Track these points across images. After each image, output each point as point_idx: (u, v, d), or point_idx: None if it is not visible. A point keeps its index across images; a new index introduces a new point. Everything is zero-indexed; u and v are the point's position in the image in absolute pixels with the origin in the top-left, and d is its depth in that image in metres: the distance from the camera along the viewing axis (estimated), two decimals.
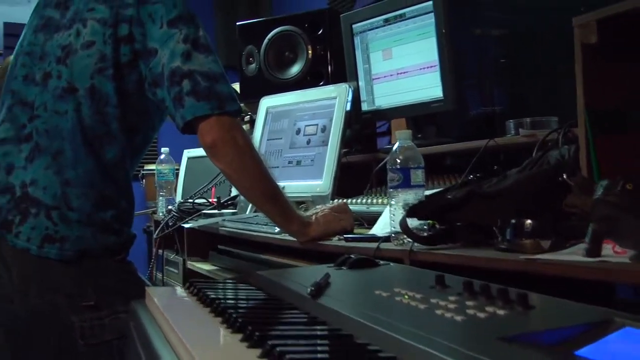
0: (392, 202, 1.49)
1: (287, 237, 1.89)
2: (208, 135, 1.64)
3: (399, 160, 1.48)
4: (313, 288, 0.94)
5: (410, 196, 1.45)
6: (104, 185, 1.74)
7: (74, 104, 1.71)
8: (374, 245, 1.51)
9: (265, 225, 2.09)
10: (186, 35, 1.68)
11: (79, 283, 1.71)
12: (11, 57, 3.71)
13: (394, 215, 1.49)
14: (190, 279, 1.20)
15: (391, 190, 1.49)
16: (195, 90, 1.64)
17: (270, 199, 1.73)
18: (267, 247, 2.17)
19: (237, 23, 3.34)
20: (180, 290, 1.19)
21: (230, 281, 1.26)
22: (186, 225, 2.59)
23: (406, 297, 0.87)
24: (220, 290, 1.13)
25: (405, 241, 1.42)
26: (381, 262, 1.23)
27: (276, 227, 1.97)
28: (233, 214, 2.69)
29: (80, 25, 1.74)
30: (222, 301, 0.99)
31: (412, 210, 1.39)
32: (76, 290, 1.70)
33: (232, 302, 1.05)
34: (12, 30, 5.43)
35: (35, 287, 1.71)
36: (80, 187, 1.70)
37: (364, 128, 2.87)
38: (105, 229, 1.74)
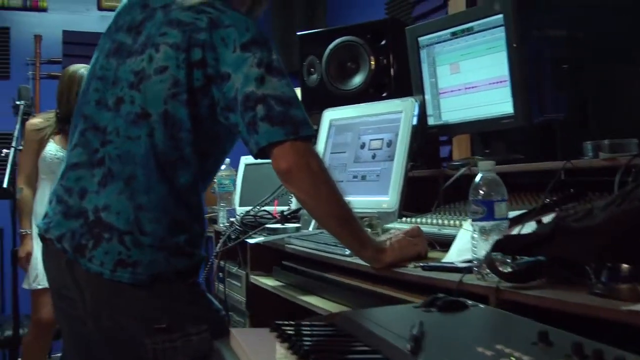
0: (475, 235, 1.44)
1: (357, 259, 1.86)
2: (283, 161, 1.62)
3: (482, 192, 1.44)
4: (413, 343, 0.90)
5: (494, 229, 1.41)
6: (176, 209, 1.73)
7: (147, 130, 1.70)
8: (454, 276, 1.47)
9: (335, 245, 2.07)
10: (260, 59, 1.66)
11: (151, 306, 1.71)
12: (72, 68, 3.77)
13: (476, 248, 1.44)
14: (276, 322, 1.17)
15: (474, 222, 1.45)
16: (269, 115, 1.62)
17: (345, 224, 1.70)
18: (335, 266, 2.14)
19: (298, 33, 3.32)
20: (266, 334, 1.16)
21: (318, 325, 1.22)
22: (251, 241, 2.57)
23: (513, 359, 0.83)
24: (311, 338, 1.10)
25: (489, 275, 1.38)
26: (469, 302, 1.19)
27: (347, 249, 1.94)
28: (297, 228, 2.67)
29: (152, 50, 1.73)
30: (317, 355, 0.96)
31: (498, 246, 1.34)
32: (148, 313, 1.70)
33: (327, 354, 1.02)
34: (71, 38, 5.49)
35: (108, 310, 1.72)
36: (153, 212, 1.70)
37: (428, 142, 2.82)
38: (178, 253, 1.73)
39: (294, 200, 3.23)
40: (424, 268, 1.63)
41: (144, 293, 1.70)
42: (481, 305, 1.18)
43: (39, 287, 3.72)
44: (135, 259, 1.68)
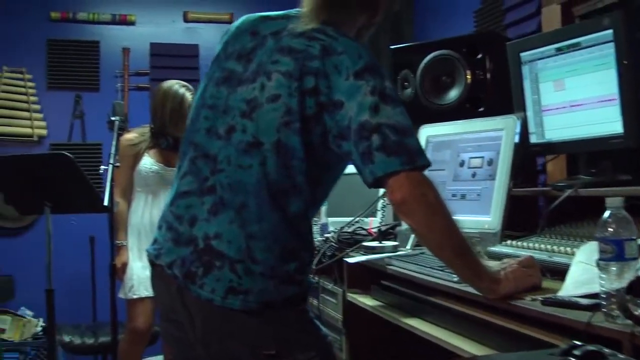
0: (603, 275, 1.39)
1: (466, 286, 1.83)
2: (398, 192, 1.60)
3: (610, 230, 1.38)
4: None
5: (624, 269, 1.35)
6: (287, 238, 1.72)
7: (260, 158, 1.70)
8: (578, 315, 1.42)
9: (441, 270, 2.03)
10: (373, 87, 1.64)
11: (260, 333, 1.71)
12: (166, 84, 3.83)
13: (604, 288, 1.39)
14: None
15: (602, 261, 1.39)
16: (384, 145, 1.59)
17: (460, 256, 1.67)
18: (438, 290, 2.10)
19: (391, 46, 3.29)
20: None
21: None
22: (350, 261, 2.55)
23: None
24: None
25: (619, 318, 1.32)
26: (607, 351, 1.14)
27: (454, 275, 1.91)
28: (394, 247, 2.65)
29: (264, 79, 1.73)
30: None
31: (631, 287, 1.29)
32: (258, 339, 1.71)
33: None
34: (158, 50, 5.59)
35: (218, 336, 1.73)
36: (264, 240, 1.69)
37: (525, 159, 2.75)
38: (288, 281, 1.73)
39: (380, 212, 3.21)
40: (543, 302, 1.58)
41: (254, 320, 1.70)
42: (620, 355, 1.13)
43: (134, 296, 3.79)
44: (246, 286, 1.68)
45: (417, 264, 2.21)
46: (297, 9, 1.86)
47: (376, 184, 1.63)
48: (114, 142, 3.41)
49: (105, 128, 5.36)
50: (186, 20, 5.66)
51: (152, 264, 1.87)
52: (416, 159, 1.61)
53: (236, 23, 1.95)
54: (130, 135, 3.86)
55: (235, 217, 1.70)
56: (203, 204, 1.76)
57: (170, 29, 5.66)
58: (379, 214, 3.24)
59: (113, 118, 3.52)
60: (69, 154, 3.05)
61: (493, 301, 1.73)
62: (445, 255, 1.69)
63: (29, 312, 5.29)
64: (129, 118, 5.37)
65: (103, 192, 3.33)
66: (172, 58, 5.60)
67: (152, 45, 5.60)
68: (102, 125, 5.40)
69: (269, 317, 1.71)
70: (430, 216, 1.61)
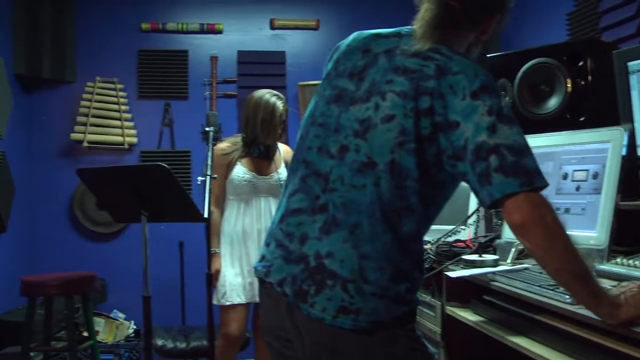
0: None
1: (580, 307, 1.78)
2: (516, 214, 1.57)
3: None
4: None
5: None
6: (400, 258, 1.71)
7: (373, 179, 1.69)
8: None
9: (551, 290, 1.99)
10: (490, 106, 1.61)
11: (370, 352, 1.71)
12: (257, 93, 3.87)
13: None
14: None
15: None
16: (502, 166, 1.57)
17: (580, 280, 1.62)
18: (546, 309, 2.06)
19: (488, 55, 3.24)
20: None
21: None
22: (452, 275, 2.52)
23: None
24: None
25: None
26: None
27: (566, 295, 1.86)
28: (495, 260, 2.60)
29: (378, 98, 1.72)
30: None
31: None
32: (367, 358, 1.70)
33: None
34: (245, 57, 5.64)
35: (327, 355, 1.73)
36: (377, 260, 1.69)
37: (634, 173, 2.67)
38: (398, 301, 1.72)
39: (475, 224, 3.16)
40: None
41: (364, 339, 1.69)
42: None
43: (227, 303, 3.85)
44: (357, 306, 1.68)
45: (525, 282, 2.17)
46: (409, 27, 1.84)
47: (494, 205, 1.61)
48: (209, 154, 3.45)
49: (193, 135, 5.48)
50: (273, 28, 5.70)
51: (261, 281, 1.89)
52: (534, 180, 1.58)
53: (347, 41, 1.95)
54: (223, 145, 3.91)
55: (348, 237, 1.70)
56: (314, 222, 1.76)
57: (257, 37, 5.71)
58: (473, 225, 3.20)
59: (207, 129, 3.57)
60: (165, 165, 3.10)
61: (612, 327, 1.68)
62: (563, 279, 1.65)
63: (121, 315, 5.44)
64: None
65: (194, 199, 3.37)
66: (259, 65, 5.65)
67: (240, 52, 5.66)
68: (190, 132, 5.52)
69: (379, 336, 1.71)
70: (549, 239, 1.58)
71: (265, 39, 5.71)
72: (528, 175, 1.57)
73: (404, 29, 1.86)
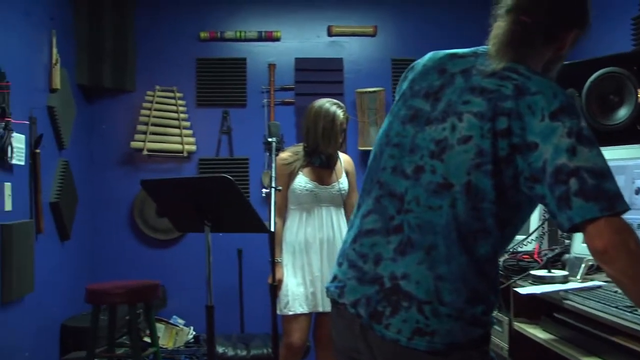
0: None
1: None
2: (598, 239, 1.52)
3: None
4: None
5: None
6: (476, 280, 1.69)
7: (450, 200, 1.67)
8: None
9: (629, 311, 1.94)
10: (570, 128, 1.57)
11: None
12: (317, 102, 3.87)
13: None
14: None
15: None
16: (583, 190, 1.53)
17: None
18: (622, 331, 2.01)
19: None
20: None
21: None
22: (522, 292, 2.48)
23: None
24: None
25: None
26: None
27: None
28: (565, 276, 2.55)
29: (455, 119, 1.70)
30: None
31: None
32: None
33: None
34: (303, 65, 5.65)
35: None
36: (453, 282, 1.67)
37: None
38: (474, 323, 1.69)
39: (540, 238, 3.11)
40: None
41: None
42: None
43: (290, 313, 3.85)
44: (433, 328, 1.66)
45: (600, 301, 2.12)
46: (485, 47, 1.81)
47: (573, 230, 1.57)
48: (273, 165, 3.44)
49: (252, 143, 5.54)
50: (330, 35, 5.69)
51: (335, 302, 1.88)
52: (616, 204, 1.53)
53: (422, 60, 1.92)
54: (284, 155, 3.92)
55: (424, 258, 1.69)
56: (389, 243, 1.75)
57: (314, 44, 5.72)
58: (538, 238, 3.15)
59: (270, 139, 3.56)
60: (229, 177, 3.11)
61: None
62: None
63: (180, 321, 5.49)
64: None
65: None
66: (317, 72, 5.65)
67: (297, 60, 5.66)
68: (249, 140, 5.56)
69: (454, 358, 1.68)
70: (632, 265, 1.53)
71: (322, 46, 5.71)
72: (609, 200, 1.53)
73: (480, 48, 1.83)
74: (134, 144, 5.41)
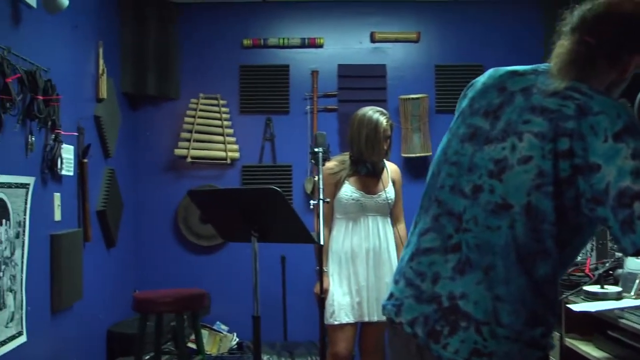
0: None
1: None
2: None
3: None
4: None
5: None
6: (535, 302, 1.66)
7: (509, 221, 1.65)
8: None
9: None
10: (634, 149, 1.54)
11: None
12: (361, 111, 3.86)
13: None
14: None
15: None
16: None
17: None
18: None
19: None
20: None
21: None
22: (576, 309, 2.45)
23: None
24: None
25: None
26: None
27: None
28: (618, 293, 2.51)
29: (515, 139, 1.67)
30: None
31: None
32: None
33: None
34: (346, 71, 5.64)
35: None
36: (511, 303, 1.65)
37: None
38: (533, 345, 1.67)
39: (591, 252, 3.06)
40: None
41: None
42: None
43: (335, 322, 3.84)
44: (491, 349, 1.64)
45: None
46: (546, 64, 1.79)
47: (637, 254, 1.54)
48: (320, 176, 3.42)
49: (295, 149, 5.54)
50: (373, 41, 5.67)
51: (391, 321, 1.86)
52: None
53: (482, 78, 1.90)
54: (331, 164, 3.90)
55: (482, 278, 1.67)
56: (447, 261, 1.73)
57: (357, 50, 5.70)
58: (588, 252, 3.10)
59: (316, 149, 3.54)
60: (277, 189, 3.10)
61: None
62: None
63: (224, 327, 5.52)
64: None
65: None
66: (360, 79, 5.63)
67: (340, 66, 5.65)
68: (291, 147, 5.57)
69: None
70: None
71: (365, 52, 5.69)
72: None
73: (541, 66, 1.80)
74: (177, 152, 5.44)
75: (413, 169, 5.58)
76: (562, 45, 1.75)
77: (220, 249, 5.64)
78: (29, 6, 3.21)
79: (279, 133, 5.63)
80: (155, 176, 5.61)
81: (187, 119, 5.48)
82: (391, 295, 1.88)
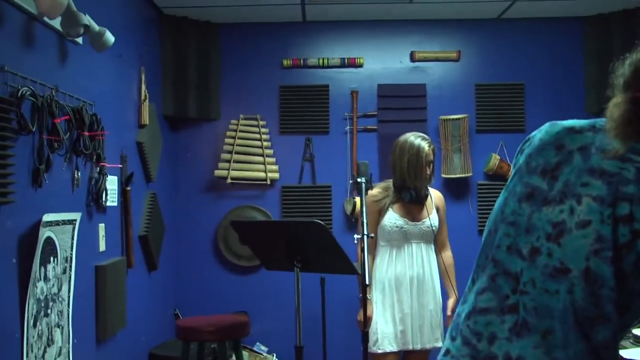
0: None
1: None
2: None
3: None
4: None
5: None
6: None
7: (567, 285, 1.61)
8: None
9: None
10: None
11: None
12: (402, 137, 3.84)
13: None
14: None
15: None
16: None
17: None
18: None
19: None
20: None
21: None
22: (625, 355, 2.40)
23: None
24: None
25: None
26: None
27: None
28: None
29: (574, 202, 1.64)
30: None
31: None
32: None
33: None
34: (386, 91, 5.62)
35: None
36: None
37: None
38: None
39: None
40: None
41: None
42: None
43: (379, 351, 3.83)
44: None
45: None
46: (603, 120, 1.75)
47: None
48: (364, 210, 3.36)
49: (334, 170, 5.54)
50: (413, 60, 5.63)
51: None
52: None
53: (539, 134, 1.86)
54: (374, 192, 3.89)
55: (540, 342, 1.64)
56: (503, 322, 1.71)
57: (397, 69, 5.67)
58: None
59: (359, 179, 3.51)
60: (321, 222, 3.10)
61: None
62: None
63: (263, 348, 5.52)
64: (357, 158, 5.48)
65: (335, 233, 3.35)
66: (400, 99, 5.60)
67: (380, 86, 5.63)
68: (331, 167, 5.56)
69: None
70: None
71: (405, 72, 5.65)
72: None
73: (599, 122, 1.76)
74: (217, 173, 5.46)
75: (454, 189, 5.54)
76: (617, 105, 1.70)
77: (259, 269, 5.64)
78: (75, 43, 3.24)
79: (319, 153, 5.62)
80: (196, 197, 5.63)
81: (227, 140, 5.50)
82: (447, 352, 1.85)
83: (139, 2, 4.64)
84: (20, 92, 2.64)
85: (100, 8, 3.65)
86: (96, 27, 3.16)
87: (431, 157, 3.89)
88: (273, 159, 5.58)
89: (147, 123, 4.52)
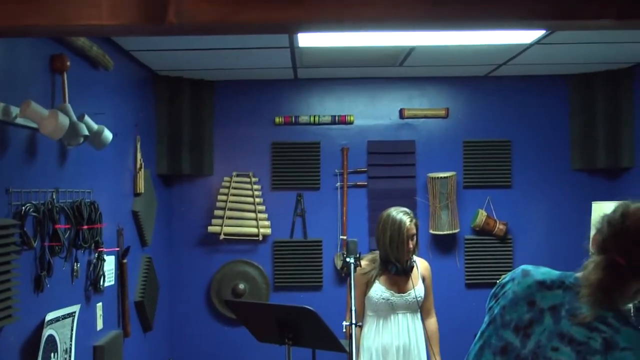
0: None
1: None
2: None
3: None
4: None
5: None
6: None
7: None
8: None
9: None
10: None
11: None
12: (385, 212, 3.95)
13: None
14: None
15: None
16: None
17: None
18: None
19: None
20: None
21: None
22: None
23: None
24: None
25: None
26: None
27: None
28: None
29: None
30: None
31: None
32: None
33: None
34: (375, 148, 5.73)
35: None
36: None
37: None
38: None
39: None
40: None
41: None
42: None
43: None
44: None
45: None
46: (573, 276, 1.84)
47: None
48: (353, 293, 3.48)
49: (325, 225, 5.65)
50: (402, 117, 5.74)
51: None
52: None
53: (511, 284, 1.92)
54: (362, 263, 3.99)
55: None
56: None
57: (387, 126, 5.78)
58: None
59: (348, 259, 3.59)
60: (313, 310, 3.23)
61: None
62: None
63: None
64: (348, 214, 5.60)
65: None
66: (389, 155, 5.71)
67: (370, 143, 5.74)
68: (322, 222, 5.67)
69: None
70: None
71: (395, 128, 5.75)
72: None
73: (568, 278, 1.86)
74: (211, 229, 5.56)
75: (441, 244, 5.67)
76: (595, 269, 1.77)
77: None
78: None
79: (310, 209, 5.73)
80: (189, 252, 5.73)
81: (220, 197, 5.60)
82: None
83: (134, 66, 4.72)
84: (23, 210, 2.72)
85: (98, 85, 3.75)
86: (95, 127, 3.22)
87: (413, 231, 4.00)
88: (265, 215, 5.68)
89: (143, 191, 4.61)
